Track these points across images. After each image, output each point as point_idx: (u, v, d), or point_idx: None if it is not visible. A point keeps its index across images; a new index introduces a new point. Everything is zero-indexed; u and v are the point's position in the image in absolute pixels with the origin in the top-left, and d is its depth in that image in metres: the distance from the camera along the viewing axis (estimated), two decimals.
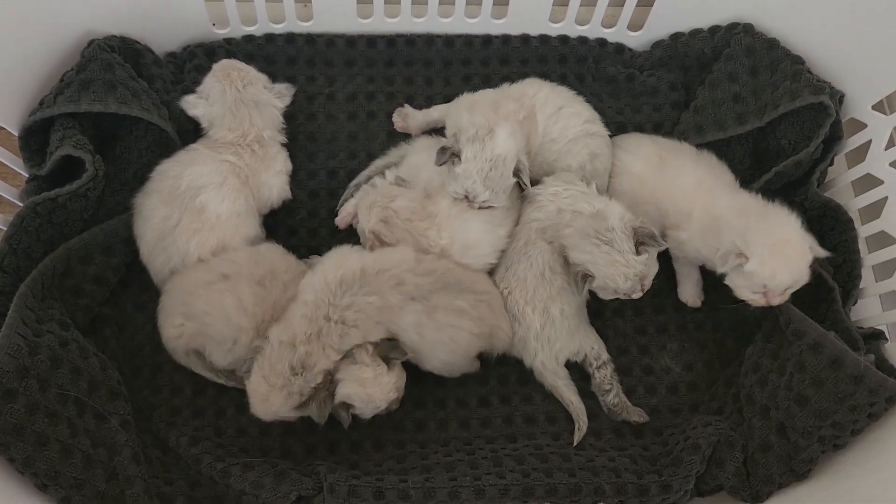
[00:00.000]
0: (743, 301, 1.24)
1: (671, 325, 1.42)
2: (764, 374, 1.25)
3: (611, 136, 1.44)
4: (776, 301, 1.21)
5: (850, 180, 1.43)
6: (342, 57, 1.55)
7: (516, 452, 1.24)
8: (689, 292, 1.41)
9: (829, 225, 1.40)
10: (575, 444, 1.28)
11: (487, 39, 1.57)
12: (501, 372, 1.36)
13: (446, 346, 1.23)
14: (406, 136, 1.49)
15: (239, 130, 1.34)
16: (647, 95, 1.55)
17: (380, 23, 1.54)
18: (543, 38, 1.57)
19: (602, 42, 1.59)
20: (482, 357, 1.33)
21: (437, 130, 1.47)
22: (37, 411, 1.07)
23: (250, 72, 1.37)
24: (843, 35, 1.39)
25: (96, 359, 1.20)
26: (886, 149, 1.34)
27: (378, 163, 1.45)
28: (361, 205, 1.33)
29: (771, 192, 1.35)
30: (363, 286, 1.18)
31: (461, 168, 1.24)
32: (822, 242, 1.38)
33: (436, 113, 1.48)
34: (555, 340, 1.29)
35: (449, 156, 1.26)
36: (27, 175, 1.35)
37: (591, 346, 1.32)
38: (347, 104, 1.53)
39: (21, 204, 1.29)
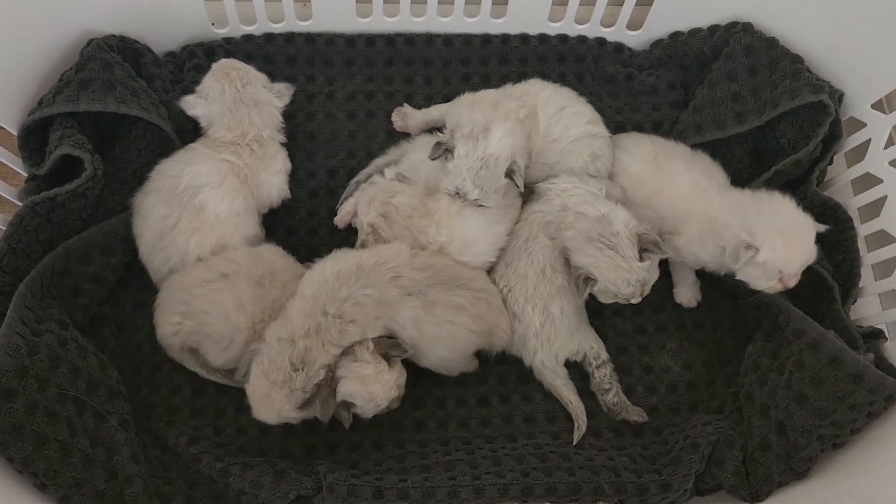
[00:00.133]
0: (759, 292, 1.25)
1: (670, 324, 1.42)
2: (763, 372, 1.25)
3: (610, 136, 1.44)
4: (792, 283, 1.23)
5: (849, 179, 1.43)
6: (341, 56, 1.55)
7: (516, 452, 1.24)
8: (685, 294, 1.41)
9: (829, 223, 1.39)
10: (574, 443, 1.28)
11: (486, 39, 1.57)
12: (501, 371, 1.36)
13: (444, 341, 1.23)
14: (405, 136, 1.49)
15: (238, 130, 1.34)
16: (646, 94, 1.55)
17: (379, 22, 1.54)
18: (542, 38, 1.57)
19: (601, 41, 1.58)
20: (481, 356, 1.33)
21: (437, 130, 1.47)
22: (36, 411, 1.07)
23: (249, 71, 1.37)
24: (842, 34, 1.39)
25: (95, 358, 1.20)
26: (886, 147, 1.34)
27: (378, 161, 1.45)
28: (361, 199, 1.33)
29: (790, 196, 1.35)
30: (360, 278, 1.18)
31: (452, 164, 1.24)
32: (822, 241, 1.39)
33: (435, 112, 1.48)
34: (554, 339, 1.29)
35: (443, 151, 1.26)
36: (26, 174, 1.35)
37: (590, 346, 1.32)
38: (347, 103, 1.53)
39: (20, 203, 1.29)
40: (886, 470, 1.09)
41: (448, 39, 1.56)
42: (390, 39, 1.55)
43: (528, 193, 1.37)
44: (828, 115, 1.35)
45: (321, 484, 1.15)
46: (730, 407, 1.30)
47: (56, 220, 1.27)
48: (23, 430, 1.04)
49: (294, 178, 1.44)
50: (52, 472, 1.06)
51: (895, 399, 1.13)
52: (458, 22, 1.55)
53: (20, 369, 1.07)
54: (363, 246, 1.29)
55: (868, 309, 1.40)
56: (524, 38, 1.57)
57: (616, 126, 1.49)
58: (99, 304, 1.32)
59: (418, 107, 1.51)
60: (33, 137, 1.32)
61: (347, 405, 1.19)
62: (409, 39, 1.56)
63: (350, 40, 1.55)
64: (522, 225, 1.33)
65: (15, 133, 1.33)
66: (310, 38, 1.54)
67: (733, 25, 1.48)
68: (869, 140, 1.37)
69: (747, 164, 1.48)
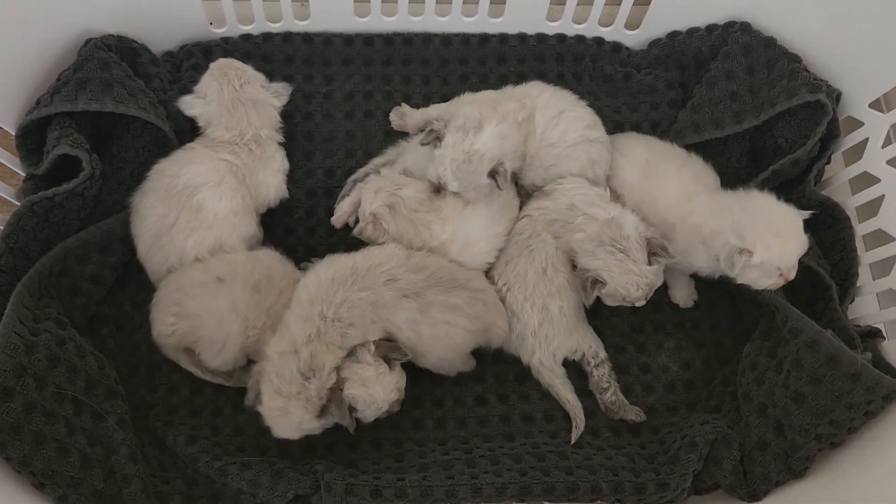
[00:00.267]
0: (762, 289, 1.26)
1: (668, 324, 1.42)
2: (761, 372, 1.25)
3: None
4: (793, 275, 1.23)
5: (847, 178, 1.43)
6: (339, 56, 1.55)
7: (513, 451, 1.24)
8: (680, 294, 1.41)
9: (826, 223, 1.39)
10: (572, 442, 1.28)
11: (485, 38, 1.56)
12: (498, 370, 1.36)
13: (442, 342, 1.22)
14: (403, 135, 1.49)
15: (236, 129, 1.34)
16: (644, 94, 1.55)
17: (377, 21, 1.54)
18: (540, 37, 1.57)
19: (599, 41, 1.58)
20: (479, 356, 1.33)
21: None
22: (34, 410, 1.07)
23: (247, 71, 1.37)
24: (840, 33, 1.39)
25: (93, 358, 1.20)
26: (883, 147, 1.34)
27: (376, 161, 1.45)
28: (367, 188, 1.31)
29: (768, 191, 1.35)
30: (355, 282, 1.17)
31: (438, 152, 1.25)
32: (819, 240, 1.40)
33: (434, 111, 1.47)
34: (552, 338, 1.29)
35: (433, 138, 1.26)
36: (24, 174, 1.35)
37: (588, 345, 1.32)
38: (345, 103, 1.53)
39: (18, 203, 1.29)
40: (884, 469, 1.10)
41: (446, 39, 1.56)
42: (388, 39, 1.55)
43: (525, 196, 1.37)
44: (826, 115, 1.35)
45: (319, 483, 1.15)
46: (728, 406, 1.30)
47: (54, 219, 1.27)
48: (21, 429, 1.04)
49: (292, 178, 1.43)
50: (50, 471, 1.06)
51: (893, 398, 1.13)
52: (456, 21, 1.55)
53: (18, 369, 1.06)
54: (360, 234, 1.29)
55: (866, 308, 1.40)
56: (522, 37, 1.57)
57: (614, 125, 1.49)
58: (97, 304, 1.32)
59: (416, 106, 1.51)
60: (31, 137, 1.32)
61: (350, 409, 1.18)
62: (407, 39, 1.56)
63: (348, 40, 1.55)
64: (526, 221, 1.32)
65: (13, 133, 1.33)
66: (308, 37, 1.54)
67: (731, 25, 1.49)
68: (867, 139, 1.37)
69: (745, 164, 1.48)
